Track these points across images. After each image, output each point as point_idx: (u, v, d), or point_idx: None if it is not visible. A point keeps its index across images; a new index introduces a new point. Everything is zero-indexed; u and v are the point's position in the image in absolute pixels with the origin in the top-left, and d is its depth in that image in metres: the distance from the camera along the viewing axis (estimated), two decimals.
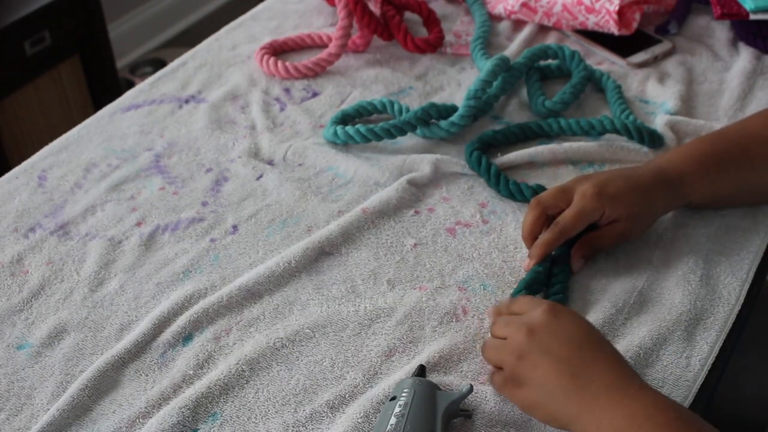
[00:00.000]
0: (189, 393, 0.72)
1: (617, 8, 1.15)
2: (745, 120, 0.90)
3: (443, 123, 1.00)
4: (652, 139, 0.97)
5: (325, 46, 1.21)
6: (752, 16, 1.12)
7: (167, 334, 0.78)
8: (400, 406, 0.66)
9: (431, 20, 1.21)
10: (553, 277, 0.81)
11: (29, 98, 1.96)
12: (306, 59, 1.16)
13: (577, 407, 0.63)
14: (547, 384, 0.64)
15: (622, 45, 1.17)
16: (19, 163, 1.02)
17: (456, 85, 1.13)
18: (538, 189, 0.90)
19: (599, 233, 0.82)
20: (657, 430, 0.59)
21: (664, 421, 0.60)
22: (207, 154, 1.01)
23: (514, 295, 0.78)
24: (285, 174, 0.97)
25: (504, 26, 1.25)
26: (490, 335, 0.72)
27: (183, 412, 0.70)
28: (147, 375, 0.74)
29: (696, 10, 1.26)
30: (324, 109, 1.09)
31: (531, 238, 0.82)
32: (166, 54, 2.58)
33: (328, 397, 0.71)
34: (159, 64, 2.44)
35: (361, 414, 0.69)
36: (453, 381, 0.72)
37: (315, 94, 1.12)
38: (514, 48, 1.19)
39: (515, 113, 1.06)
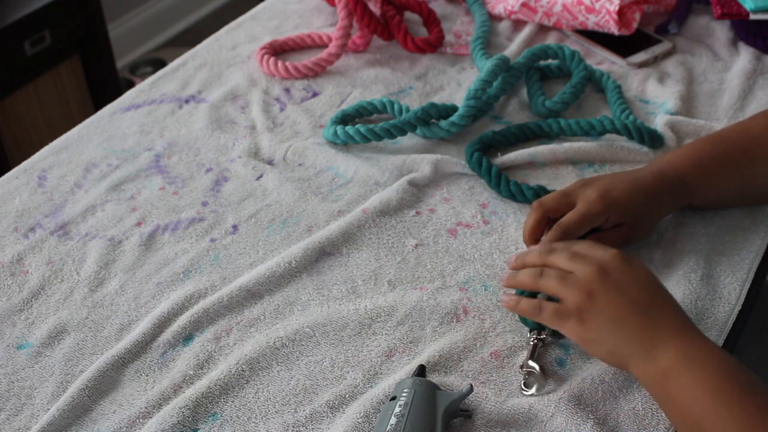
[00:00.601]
0: (189, 393, 0.72)
1: (617, 8, 1.15)
2: (747, 121, 0.90)
3: (443, 123, 1.00)
4: (652, 139, 0.97)
5: (325, 46, 1.21)
6: (752, 16, 1.12)
7: (167, 334, 0.78)
8: (400, 406, 0.66)
9: (431, 20, 1.21)
10: None
11: (29, 98, 1.96)
12: (306, 59, 1.16)
13: (639, 345, 0.66)
14: (617, 321, 0.67)
15: (622, 45, 1.17)
16: (19, 163, 1.02)
17: (456, 85, 1.13)
18: (539, 190, 0.90)
19: (603, 237, 0.81)
20: (710, 372, 0.63)
21: (717, 365, 0.63)
22: (207, 154, 1.01)
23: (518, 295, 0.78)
24: (285, 174, 0.97)
25: (504, 26, 1.25)
26: (536, 265, 0.74)
27: (183, 412, 0.70)
28: (147, 375, 0.74)
29: (696, 10, 1.26)
30: (324, 109, 1.09)
31: (532, 240, 0.82)
32: (166, 54, 2.58)
33: (328, 398, 0.71)
34: (159, 64, 2.44)
35: (361, 414, 0.69)
36: (453, 381, 0.72)
37: (315, 94, 1.12)
38: (514, 48, 1.19)
39: (515, 113, 1.07)
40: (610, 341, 0.67)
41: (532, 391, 0.71)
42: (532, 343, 0.74)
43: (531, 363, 0.73)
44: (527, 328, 0.77)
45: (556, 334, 0.75)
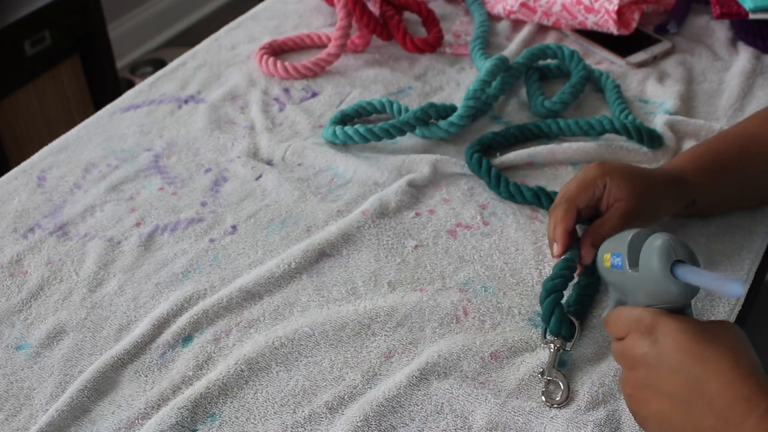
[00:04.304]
0: (188, 393, 0.72)
1: (616, 8, 1.15)
2: (743, 122, 0.90)
3: (442, 123, 1.00)
4: (651, 138, 0.97)
5: (325, 46, 1.21)
6: (752, 16, 1.12)
7: (167, 335, 0.77)
8: None
9: (430, 20, 1.21)
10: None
11: (29, 98, 1.96)
12: (305, 59, 1.16)
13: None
14: (664, 423, 0.59)
15: (621, 44, 1.17)
16: (19, 163, 1.02)
17: (455, 85, 1.13)
18: (539, 191, 0.90)
19: (604, 218, 0.80)
20: None
21: None
22: (206, 154, 1.01)
23: (546, 284, 0.77)
24: (284, 174, 0.97)
25: (503, 26, 1.25)
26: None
27: (182, 413, 0.70)
28: (146, 376, 0.74)
29: (695, 10, 1.26)
30: (323, 109, 1.09)
31: (564, 230, 0.79)
32: (166, 54, 2.58)
33: (327, 398, 0.71)
34: (159, 64, 2.44)
35: (361, 418, 0.69)
36: (453, 383, 0.72)
37: (314, 94, 1.12)
38: (513, 48, 1.19)
39: (514, 113, 1.06)
40: None
41: (558, 400, 0.70)
42: (553, 349, 0.74)
43: (555, 372, 0.72)
44: (536, 330, 0.76)
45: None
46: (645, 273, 0.64)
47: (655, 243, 0.63)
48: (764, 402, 0.55)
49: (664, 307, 0.63)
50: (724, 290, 0.56)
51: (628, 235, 0.68)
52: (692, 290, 0.63)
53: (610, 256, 0.69)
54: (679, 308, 0.63)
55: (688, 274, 0.60)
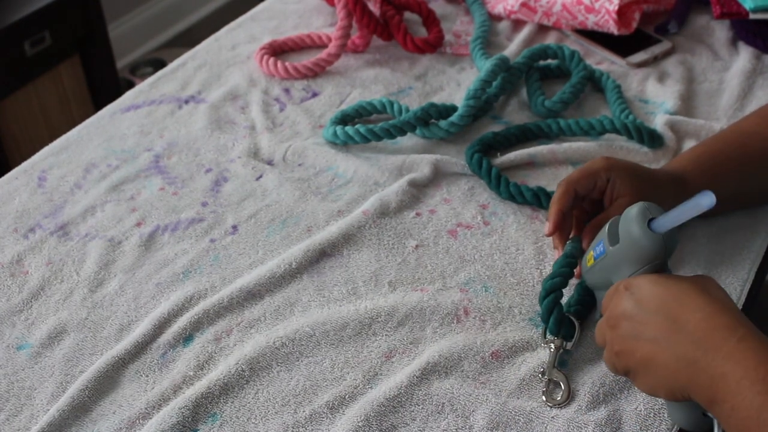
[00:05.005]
0: (189, 393, 0.72)
1: (617, 8, 1.15)
2: (741, 121, 0.91)
3: (443, 123, 1.00)
4: (651, 138, 0.97)
5: (325, 46, 1.21)
6: (752, 16, 1.12)
7: (167, 335, 0.78)
8: None
9: (431, 20, 1.21)
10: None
11: (29, 98, 1.96)
12: (306, 59, 1.16)
13: (686, 376, 0.59)
14: (650, 365, 0.61)
15: (621, 44, 1.17)
16: (19, 163, 1.02)
17: (455, 85, 1.13)
18: (539, 191, 0.90)
19: (607, 212, 0.80)
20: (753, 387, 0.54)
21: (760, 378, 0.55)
22: (207, 155, 1.01)
23: (546, 283, 0.77)
24: (285, 174, 0.97)
25: (503, 26, 1.25)
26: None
27: (183, 413, 0.70)
28: (147, 376, 0.74)
29: (696, 10, 1.26)
30: (324, 109, 1.09)
31: (558, 211, 0.80)
32: (166, 54, 2.58)
33: (327, 398, 0.71)
34: (159, 64, 2.44)
35: (362, 418, 0.69)
36: (453, 382, 0.72)
37: (315, 94, 1.12)
38: (513, 48, 1.19)
39: (515, 113, 1.06)
40: (663, 383, 0.61)
41: (559, 400, 0.70)
42: (553, 348, 0.74)
43: (556, 372, 0.72)
44: (537, 330, 0.76)
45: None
46: (626, 242, 0.66)
47: (631, 212, 0.66)
48: (741, 329, 0.57)
49: (646, 268, 0.65)
50: (700, 207, 0.59)
51: (605, 227, 0.70)
52: (671, 242, 0.65)
53: (593, 252, 0.71)
54: (659, 267, 0.65)
55: (663, 221, 0.63)
